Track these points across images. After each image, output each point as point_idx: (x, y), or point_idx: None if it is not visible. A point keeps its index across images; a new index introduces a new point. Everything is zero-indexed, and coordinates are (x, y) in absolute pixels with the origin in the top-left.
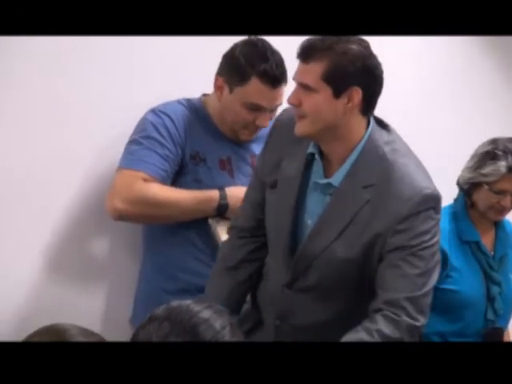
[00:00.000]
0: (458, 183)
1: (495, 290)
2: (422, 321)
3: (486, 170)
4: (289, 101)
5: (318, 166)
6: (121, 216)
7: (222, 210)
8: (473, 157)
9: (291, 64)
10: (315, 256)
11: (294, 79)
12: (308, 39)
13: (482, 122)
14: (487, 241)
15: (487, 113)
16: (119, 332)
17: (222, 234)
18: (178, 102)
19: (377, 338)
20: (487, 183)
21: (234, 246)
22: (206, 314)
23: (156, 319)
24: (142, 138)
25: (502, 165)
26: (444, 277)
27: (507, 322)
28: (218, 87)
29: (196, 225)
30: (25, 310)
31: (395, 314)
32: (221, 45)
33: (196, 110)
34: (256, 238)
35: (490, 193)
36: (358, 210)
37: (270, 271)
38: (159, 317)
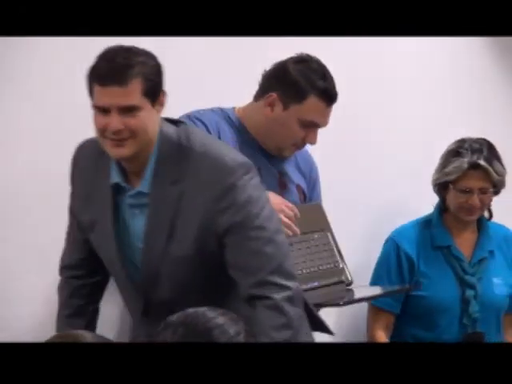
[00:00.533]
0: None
1: (470, 293)
2: (292, 284)
3: (449, 168)
4: (114, 129)
5: (127, 189)
6: None
7: None
8: (440, 158)
9: None
10: (157, 272)
11: (115, 106)
12: (107, 64)
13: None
14: (465, 244)
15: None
16: None
17: None
18: (212, 110)
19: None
20: (451, 182)
21: (68, 292)
22: (220, 320)
23: (171, 325)
24: None
25: (464, 161)
26: (414, 284)
27: (491, 325)
28: (269, 103)
29: None
30: (40, 313)
31: (268, 296)
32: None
33: (230, 120)
34: (89, 277)
35: (456, 192)
36: (177, 207)
37: (128, 306)
38: (174, 323)
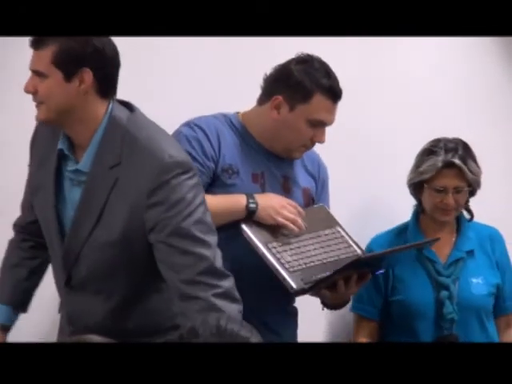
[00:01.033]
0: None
1: (444, 294)
2: (226, 282)
3: (423, 167)
4: (25, 89)
5: (71, 159)
6: None
7: (251, 210)
8: (415, 157)
9: None
10: (80, 246)
11: (29, 68)
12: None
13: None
14: (442, 245)
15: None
16: None
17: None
18: (214, 116)
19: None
20: (426, 181)
21: (15, 245)
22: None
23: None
24: None
25: (438, 160)
26: (390, 289)
27: (471, 326)
28: (275, 106)
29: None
30: (41, 313)
31: (199, 296)
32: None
33: (233, 125)
34: (35, 238)
35: (431, 192)
36: (110, 192)
37: (54, 275)
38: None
